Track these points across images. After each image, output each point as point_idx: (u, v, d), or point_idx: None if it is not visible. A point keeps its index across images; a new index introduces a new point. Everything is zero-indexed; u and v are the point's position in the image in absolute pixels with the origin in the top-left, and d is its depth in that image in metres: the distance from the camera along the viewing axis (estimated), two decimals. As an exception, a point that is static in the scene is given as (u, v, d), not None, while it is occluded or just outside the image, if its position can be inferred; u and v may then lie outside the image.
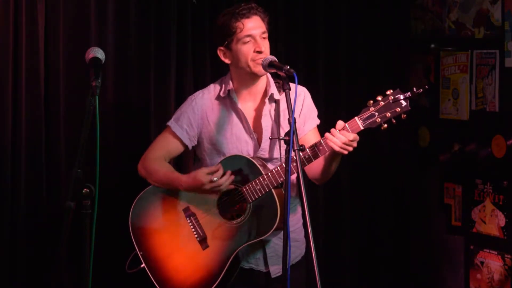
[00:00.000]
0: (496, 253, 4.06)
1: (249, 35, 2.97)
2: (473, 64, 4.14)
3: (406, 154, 4.54)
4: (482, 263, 4.14)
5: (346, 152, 2.84)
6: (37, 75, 3.52)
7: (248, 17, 2.97)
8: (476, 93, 4.13)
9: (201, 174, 2.97)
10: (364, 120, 2.83)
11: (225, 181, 2.96)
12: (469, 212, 4.20)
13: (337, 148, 2.82)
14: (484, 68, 4.08)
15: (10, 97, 3.46)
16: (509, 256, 3.99)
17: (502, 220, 4.02)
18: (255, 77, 3.02)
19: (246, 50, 2.97)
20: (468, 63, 4.17)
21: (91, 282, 2.44)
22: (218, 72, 3.44)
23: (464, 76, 4.19)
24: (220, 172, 2.97)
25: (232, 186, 3.00)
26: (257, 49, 2.95)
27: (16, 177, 3.49)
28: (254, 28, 2.97)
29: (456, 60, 4.24)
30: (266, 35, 3.01)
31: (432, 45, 4.40)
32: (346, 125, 2.83)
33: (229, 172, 2.98)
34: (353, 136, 2.82)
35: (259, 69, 2.96)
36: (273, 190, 2.94)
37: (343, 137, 2.80)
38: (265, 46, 2.98)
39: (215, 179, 2.95)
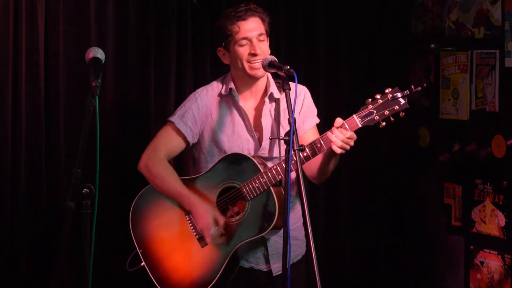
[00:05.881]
0: (496, 253, 4.06)
1: (245, 38, 2.98)
2: (473, 64, 4.14)
3: (406, 154, 4.54)
4: (482, 263, 4.14)
5: (343, 151, 2.85)
6: (37, 75, 3.52)
7: (244, 19, 2.98)
8: (476, 93, 4.12)
9: (211, 216, 2.98)
10: (362, 118, 2.83)
11: (214, 239, 2.98)
12: (469, 212, 4.20)
13: (338, 146, 2.81)
14: (484, 68, 4.08)
15: (10, 96, 3.46)
16: (509, 256, 3.99)
17: (502, 220, 4.02)
18: (253, 78, 3.03)
19: (242, 53, 2.98)
20: (468, 63, 4.17)
21: (91, 282, 2.44)
22: (218, 72, 3.43)
23: (464, 76, 4.19)
24: (220, 231, 2.98)
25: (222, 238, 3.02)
26: (252, 52, 2.97)
27: (16, 177, 3.49)
28: (250, 30, 2.98)
29: (456, 60, 4.24)
30: (263, 37, 3.01)
31: (432, 45, 4.40)
32: (345, 122, 2.84)
33: (219, 233, 2.99)
34: (350, 133, 2.82)
35: (255, 72, 2.99)
36: (271, 188, 2.95)
37: (341, 134, 2.80)
38: (262, 48, 2.99)
39: (213, 231, 2.97)
